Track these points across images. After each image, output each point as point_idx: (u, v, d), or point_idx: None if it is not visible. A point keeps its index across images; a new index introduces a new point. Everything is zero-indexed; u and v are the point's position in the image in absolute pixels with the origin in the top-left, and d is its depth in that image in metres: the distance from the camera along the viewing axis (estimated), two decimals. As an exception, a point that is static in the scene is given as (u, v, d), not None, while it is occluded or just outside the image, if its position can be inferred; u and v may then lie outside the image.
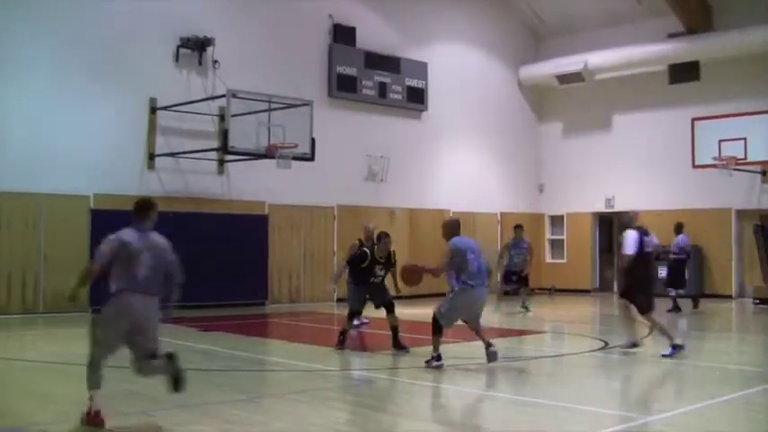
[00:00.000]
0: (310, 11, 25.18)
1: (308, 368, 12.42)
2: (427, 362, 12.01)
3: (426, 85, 27.73)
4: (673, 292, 21.39)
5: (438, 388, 10.73)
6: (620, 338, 14.39)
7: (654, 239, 13.95)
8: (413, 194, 27.00)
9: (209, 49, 22.69)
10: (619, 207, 29.41)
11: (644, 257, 13.51)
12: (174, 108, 21.70)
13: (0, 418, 8.78)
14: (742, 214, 26.70)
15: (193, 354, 13.90)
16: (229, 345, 15.15)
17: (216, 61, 22.84)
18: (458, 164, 28.74)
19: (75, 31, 20.69)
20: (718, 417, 9.09)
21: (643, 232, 13.59)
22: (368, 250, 14.31)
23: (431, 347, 11.91)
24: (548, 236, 31.29)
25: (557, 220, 31.14)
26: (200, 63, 22.73)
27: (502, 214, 29.50)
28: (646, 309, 13.54)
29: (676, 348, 13.13)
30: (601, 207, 29.69)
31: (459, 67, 28.99)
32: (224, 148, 20.01)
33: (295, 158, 20.15)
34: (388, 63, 26.76)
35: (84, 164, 20.53)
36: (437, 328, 12.09)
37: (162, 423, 8.30)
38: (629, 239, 13.41)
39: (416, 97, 27.51)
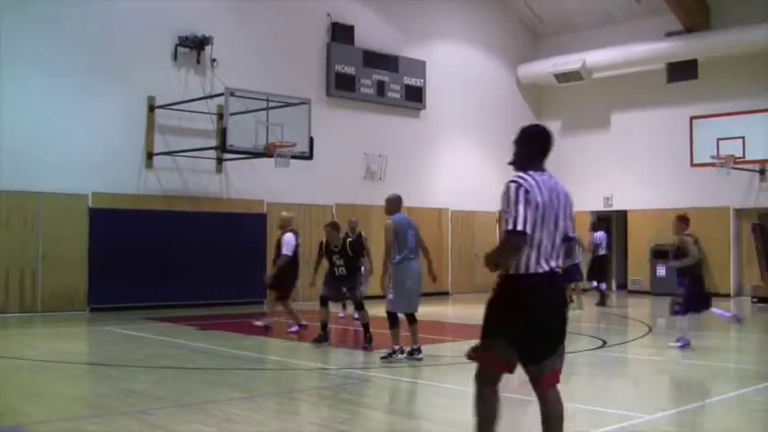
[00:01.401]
0: (308, 9, 25.18)
1: (306, 367, 12.43)
2: (384, 357, 12.44)
3: (425, 83, 27.74)
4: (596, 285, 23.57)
5: (439, 387, 10.74)
6: (617, 337, 14.41)
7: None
8: (411, 193, 26.98)
9: (208, 48, 22.70)
10: (617, 206, 29.48)
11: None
12: (172, 107, 21.71)
13: (0, 418, 8.80)
14: (740, 213, 26.74)
15: (192, 352, 13.92)
16: (228, 343, 15.16)
17: (214, 60, 22.85)
18: (456, 162, 28.76)
19: (73, 29, 20.68)
20: (720, 415, 9.10)
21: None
22: (323, 240, 14.95)
23: (433, 346, 11.93)
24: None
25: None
26: (198, 62, 22.73)
27: (500, 212, 29.49)
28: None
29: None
30: (599, 206, 29.70)
31: (457, 65, 29.01)
32: (222, 147, 20.01)
33: (293, 157, 20.15)
34: (386, 62, 26.77)
35: (82, 162, 20.53)
36: (392, 320, 12.51)
37: (160, 421, 8.30)
38: None
39: (415, 96, 27.52)
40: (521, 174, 5.82)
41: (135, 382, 10.67)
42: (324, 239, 15.00)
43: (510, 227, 5.60)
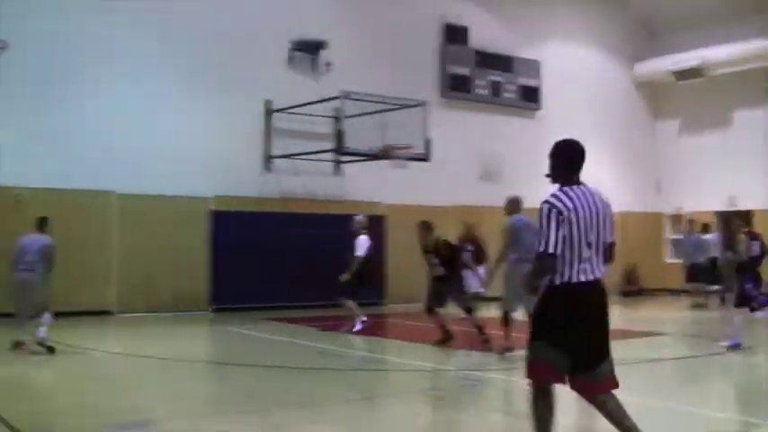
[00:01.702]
0: (422, 11, 25.23)
1: (423, 368, 12.48)
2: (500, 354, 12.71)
3: (540, 83, 27.53)
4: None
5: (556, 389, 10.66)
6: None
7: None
8: (528, 194, 26.66)
9: (323, 52, 22.95)
10: (742, 205, 28.70)
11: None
12: (289, 110, 22.03)
13: (128, 414, 9.06)
14: None
15: (312, 353, 14.10)
16: (346, 344, 15.32)
17: (329, 63, 23.09)
18: (573, 163, 28.41)
19: (192, 36, 21.17)
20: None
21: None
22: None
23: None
24: (666, 235, 30.69)
25: (676, 220, 30.49)
26: (313, 66, 23.01)
27: (620, 214, 29.06)
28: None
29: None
30: (722, 205, 28.97)
31: (572, 64, 28.67)
32: (339, 150, 20.21)
33: (410, 159, 20.22)
34: (500, 62, 26.62)
35: (204, 166, 21.00)
36: (505, 318, 12.89)
37: (280, 421, 8.46)
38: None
39: (530, 96, 27.32)
40: (556, 193, 6.10)
41: (257, 382, 10.88)
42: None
43: (542, 249, 5.90)
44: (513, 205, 13.35)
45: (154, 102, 20.58)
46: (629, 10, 30.43)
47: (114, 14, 20.25)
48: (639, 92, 30.84)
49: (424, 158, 20.60)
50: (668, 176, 30.60)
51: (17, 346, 13.42)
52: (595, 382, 6.04)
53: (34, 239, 13.81)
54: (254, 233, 21.28)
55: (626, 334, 16.30)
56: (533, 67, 27.33)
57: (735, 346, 13.69)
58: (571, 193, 6.06)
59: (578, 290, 5.94)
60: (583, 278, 5.94)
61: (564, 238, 5.90)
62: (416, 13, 25.09)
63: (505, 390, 10.87)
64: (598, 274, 6.02)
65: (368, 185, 23.33)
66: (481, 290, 17.51)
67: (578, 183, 6.21)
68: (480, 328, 14.02)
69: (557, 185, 6.23)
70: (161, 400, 9.75)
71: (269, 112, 22.21)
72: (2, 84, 12.67)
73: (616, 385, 6.09)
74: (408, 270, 24.12)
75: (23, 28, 18.28)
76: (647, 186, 30.48)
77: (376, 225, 22.83)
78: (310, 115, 22.24)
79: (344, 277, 16.46)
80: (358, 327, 16.51)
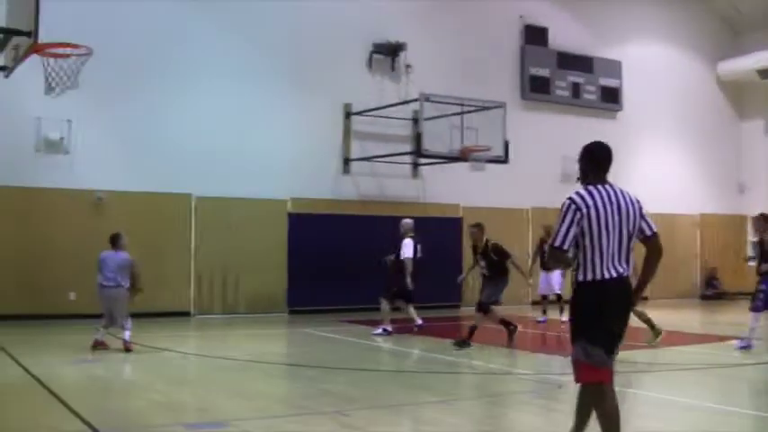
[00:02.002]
0: (501, 12, 25.07)
1: (501, 371, 12.34)
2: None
3: (620, 84, 27.16)
4: None
5: (634, 393, 10.43)
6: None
7: None
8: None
9: (402, 54, 22.94)
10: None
11: None
12: (368, 113, 22.03)
13: (204, 413, 9.10)
14: None
15: (388, 355, 14.05)
16: (423, 346, 15.23)
17: (408, 66, 23.06)
18: (654, 164, 27.97)
19: (272, 39, 21.32)
20: None
21: None
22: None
23: (628, 352, 11.63)
24: (750, 238, 30.01)
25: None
26: (392, 68, 23.00)
27: (701, 215, 28.54)
28: None
29: None
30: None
31: (653, 64, 28.21)
32: (418, 152, 20.15)
33: (489, 161, 20.09)
34: (580, 63, 26.35)
35: (281, 168, 21.11)
36: None
37: (355, 422, 8.40)
38: None
39: (611, 97, 26.99)
40: (579, 190, 6.36)
41: (332, 383, 10.85)
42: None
43: (554, 243, 6.22)
44: None
45: (233, 104, 20.75)
46: (711, 7, 29.83)
47: (196, 18, 20.51)
48: (723, 91, 30.23)
49: (502, 160, 20.43)
50: (753, 178, 29.92)
51: (97, 345, 13.68)
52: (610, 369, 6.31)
53: (111, 256, 13.99)
54: (331, 235, 21.29)
55: (705, 338, 16.02)
56: (614, 67, 26.99)
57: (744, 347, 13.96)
58: (594, 191, 6.29)
59: (603, 287, 6.16)
60: (606, 275, 6.15)
61: (577, 234, 6.17)
62: (495, 15, 24.94)
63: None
64: (621, 270, 6.20)
65: (445, 188, 23.25)
66: (557, 291, 18.64)
67: (605, 182, 6.42)
68: (473, 329, 14.54)
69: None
70: (236, 401, 9.76)
71: (348, 114, 22.23)
72: (84, 87, 12.78)
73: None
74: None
75: (107, 31, 18.55)
76: (729, 188, 29.85)
77: (453, 227, 22.76)
78: (389, 118, 22.20)
79: (409, 282, 16.49)
80: (379, 331, 16.52)
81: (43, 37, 9.69)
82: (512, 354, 14.04)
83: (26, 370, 11.59)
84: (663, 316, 21.67)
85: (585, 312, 6.25)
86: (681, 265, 25.99)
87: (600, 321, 6.15)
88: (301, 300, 21.03)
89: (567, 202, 6.26)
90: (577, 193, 6.30)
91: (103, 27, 18.65)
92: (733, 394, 10.89)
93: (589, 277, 6.18)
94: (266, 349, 15.00)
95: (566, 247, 6.17)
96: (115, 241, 14.13)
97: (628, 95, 27.30)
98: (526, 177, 24.22)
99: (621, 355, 12.39)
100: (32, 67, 11.50)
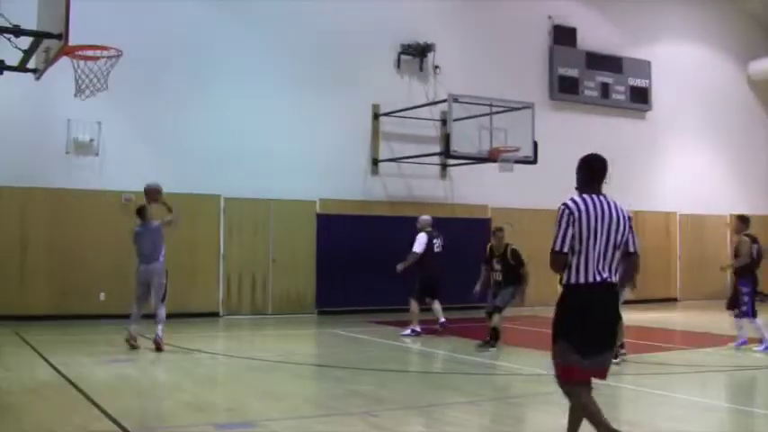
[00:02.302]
0: (529, 13, 24.99)
1: (529, 372, 12.30)
2: None
3: (650, 84, 27.01)
4: None
5: (663, 396, 10.37)
6: None
7: None
8: (639, 196, 26.32)
9: (430, 55, 22.93)
10: None
11: None
12: (396, 114, 22.04)
13: (233, 414, 9.14)
14: None
15: (416, 356, 14.05)
16: (451, 347, 15.21)
17: (437, 67, 23.04)
18: (684, 164, 27.80)
19: (300, 40, 21.35)
20: None
21: None
22: (491, 244, 15.17)
23: (661, 355, 11.59)
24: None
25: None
26: (421, 69, 22.99)
27: (731, 216, 28.33)
28: None
29: None
30: None
31: (683, 64, 28.02)
32: (446, 153, 20.12)
33: (517, 162, 20.03)
34: (609, 63, 26.23)
35: (310, 169, 21.15)
36: None
37: (384, 423, 8.40)
38: None
39: (640, 97, 26.84)
40: (573, 197, 6.65)
41: (360, 384, 10.85)
42: (491, 243, 15.17)
43: (552, 247, 6.56)
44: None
45: (261, 106, 20.79)
46: (742, 6, 29.59)
47: (225, 19, 20.60)
48: (754, 91, 29.97)
49: (531, 161, 20.37)
50: (785, 178, 29.68)
51: (130, 342, 13.97)
52: (594, 369, 6.52)
53: (142, 230, 14.59)
54: (360, 236, 21.30)
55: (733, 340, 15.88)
56: (643, 67, 26.84)
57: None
58: (587, 198, 6.59)
59: (588, 290, 6.44)
60: (591, 279, 6.43)
61: (573, 236, 6.48)
62: (524, 15, 24.87)
63: (612, 396, 10.59)
64: (605, 276, 6.46)
65: (474, 188, 23.21)
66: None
67: (598, 193, 6.69)
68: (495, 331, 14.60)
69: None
70: (265, 401, 9.79)
71: (376, 115, 22.24)
72: (113, 89, 12.86)
73: (604, 377, 6.60)
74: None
75: (137, 33, 18.65)
76: (760, 188, 29.61)
77: (481, 228, 22.70)
78: (417, 118, 22.20)
79: (399, 267, 16.93)
80: (408, 332, 16.63)
81: (73, 39, 9.74)
82: (536, 355, 13.97)
83: (56, 370, 11.68)
84: (692, 317, 21.58)
85: (568, 314, 6.54)
86: (711, 265, 25.75)
87: (581, 324, 6.43)
88: (330, 300, 21.06)
89: (562, 207, 6.59)
90: (571, 199, 6.61)
91: (133, 29, 18.75)
92: (758, 395, 10.81)
93: (573, 280, 6.48)
94: (295, 350, 15.03)
95: (565, 249, 6.49)
96: (143, 213, 14.52)
97: (657, 95, 27.14)
98: (555, 178, 24.00)
99: (652, 357, 12.35)
100: (63, 69, 11.57)
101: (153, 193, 14.62)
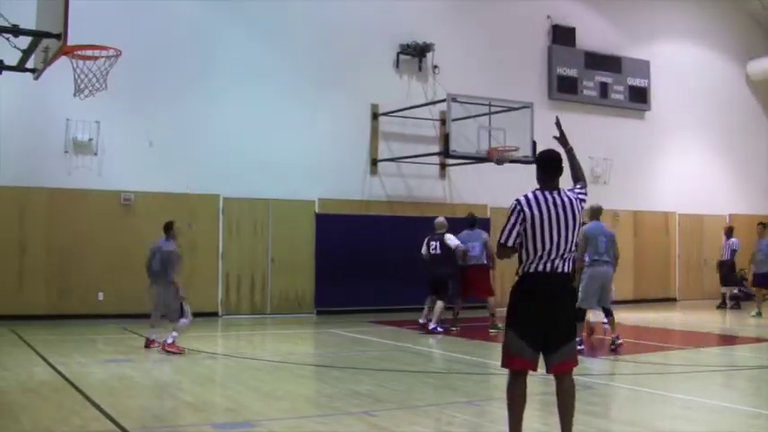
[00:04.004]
0: (528, 13, 24.99)
1: (530, 373, 12.27)
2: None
3: (649, 84, 27.02)
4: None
5: (664, 395, 10.36)
6: None
7: None
8: (637, 196, 26.36)
9: (429, 55, 22.93)
10: None
11: None
12: (395, 114, 22.03)
13: (232, 413, 9.13)
14: None
15: (414, 355, 14.04)
16: (450, 347, 15.21)
17: (436, 66, 23.04)
18: (683, 164, 27.80)
19: (299, 40, 21.36)
20: None
21: None
22: None
23: (660, 354, 11.58)
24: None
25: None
26: (420, 69, 22.99)
27: (731, 216, 28.33)
28: None
29: None
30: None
31: (682, 64, 28.03)
32: (445, 153, 20.12)
33: (516, 161, 20.03)
34: (608, 63, 26.24)
35: (309, 169, 21.15)
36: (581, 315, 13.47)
37: (383, 423, 8.39)
38: None
39: (639, 97, 26.85)
40: (526, 193, 6.96)
41: (359, 384, 10.84)
42: None
43: (498, 239, 6.97)
44: (595, 213, 14.20)
45: (260, 105, 20.80)
46: (741, 6, 29.59)
47: (224, 19, 20.60)
48: (753, 91, 29.99)
49: (530, 161, 20.35)
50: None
51: (150, 345, 13.98)
52: (550, 364, 6.93)
53: (156, 248, 14.09)
54: (359, 236, 21.31)
55: (738, 340, 15.91)
56: (642, 66, 26.86)
57: None
58: (539, 195, 6.89)
59: (533, 280, 6.77)
60: (540, 269, 6.73)
61: (520, 232, 6.82)
62: (523, 15, 24.87)
63: (612, 396, 10.60)
64: (555, 266, 6.74)
65: (473, 188, 23.23)
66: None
67: (554, 188, 6.97)
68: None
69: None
70: (265, 401, 9.79)
71: (375, 115, 22.23)
72: (112, 89, 12.84)
73: (571, 366, 7.01)
74: (513, 274, 23.89)
75: (136, 33, 18.66)
76: (759, 188, 29.62)
77: (481, 228, 22.66)
78: (416, 118, 22.20)
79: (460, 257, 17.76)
80: (434, 326, 17.20)
81: (72, 39, 9.73)
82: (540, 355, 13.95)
83: (55, 369, 11.68)
84: (691, 317, 21.57)
85: (515, 302, 6.85)
86: (709, 265, 25.82)
87: (525, 312, 6.75)
88: (329, 300, 21.07)
89: (514, 203, 6.91)
90: (524, 196, 6.93)
91: (132, 29, 18.78)
92: (758, 395, 10.81)
93: (521, 271, 6.85)
94: (294, 350, 15.02)
95: (510, 243, 6.86)
96: (168, 229, 14.10)
97: (656, 95, 27.15)
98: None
99: (651, 356, 12.34)
100: (62, 69, 11.57)
101: None
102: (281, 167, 20.80)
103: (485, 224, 22.85)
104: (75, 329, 16.98)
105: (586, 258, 13.72)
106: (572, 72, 25.55)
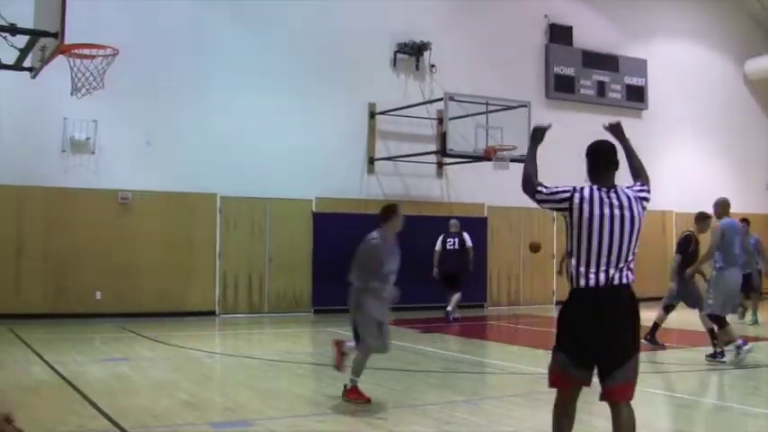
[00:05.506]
0: (525, 11, 24.98)
1: (527, 371, 12.30)
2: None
3: (646, 82, 27.02)
4: None
5: (663, 396, 10.37)
6: None
7: None
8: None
9: (426, 54, 22.90)
10: None
11: None
12: (392, 112, 22.03)
13: (230, 412, 9.13)
14: None
15: (413, 355, 14.02)
16: (448, 346, 15.21)
17: (433, 65, 23.02)
18: (680, 163, 27.79)
19: (296, 39, 21.33)
20: None
21: None
22: (693, 233, 14.60)
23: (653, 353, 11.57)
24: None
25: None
26: (417, 67, 22.98)
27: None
28: None
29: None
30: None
31: (680, 63, 28.02)
32: (443, 151, 20.12)
33: (514, 160, 20.03)
34: (606, 61, 26.24)
35: (306, 168, 21.13)
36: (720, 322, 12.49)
37: (381, 422, 8.40)
38: None
39: (636, 96, 26.85)
40: (582, 185, 6.12)
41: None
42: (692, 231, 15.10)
43: (541, 189, 6.40)
44: (725, 208, 13.07)
45: (258, 104, 20.76)
46: (739, 5, 29.60)
47: (221, 18, 20.58)
48: (751, 90, 29.99)
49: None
50: (782, 177, 29.71)
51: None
52: (606, 389, 5.86)
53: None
54: (357, 235, 21.14)
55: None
56: (639, 65, 26.87)
57: None
58: (595, 191, 6.03)
59: (584, 295, 5.71)
60: (592, 282, 5.67)
61: (557, 200, 6.16)
62: (520, 14, 24.87)
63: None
64: (610, 278, 5.71)
65: (470, 187, 23.22)
66: None
67: (609, 185, 6.11)
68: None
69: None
70: (262, 400, 9.79)
71: (372, 114, 22.22)
72: (110, 88, 12.82)
73: (624, 397, 5.97)
74: (510, 272, 24.01)
75: (133, 32, 18.64)
76: (757, 187, 29.64)
77: (479, 227, 22.72)
78: (413, 117, 22.19)
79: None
80: (457, 315, 19.30)
81: (69, 38, 9.73)
82: (535, 354, 13.97)
83: (52, 368, 11.67)
84: (690, 316, 21.53)
85: (561, 317, 5.92)
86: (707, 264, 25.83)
87: (570, 327, 5.81)
88: (326, 299, 21.01)
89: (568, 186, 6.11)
90: (579, 186, 6.16)
91: (129, 28, 18.77)
92: (758, 395, 10.81)
93: (574, 284, 5.77)
94: (292, 349, 15.01)
95: (542, 188, 6.42)
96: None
97: (653, 94, 27.15)
98: (551, 176, 23.93)
99: (650, 356, 12.34)
100: (59, 68, 11.57)
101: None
102: (278, 166, 20.78)
103: (482, 223, 22.94)
104: (73, 328, 16.96)
105: (717, 260, 12.57)
106: (569, 71, 25.54)
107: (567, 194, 6.05)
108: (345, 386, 9.47)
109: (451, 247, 19.46)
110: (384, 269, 9.83)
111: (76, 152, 19.02)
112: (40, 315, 18.01)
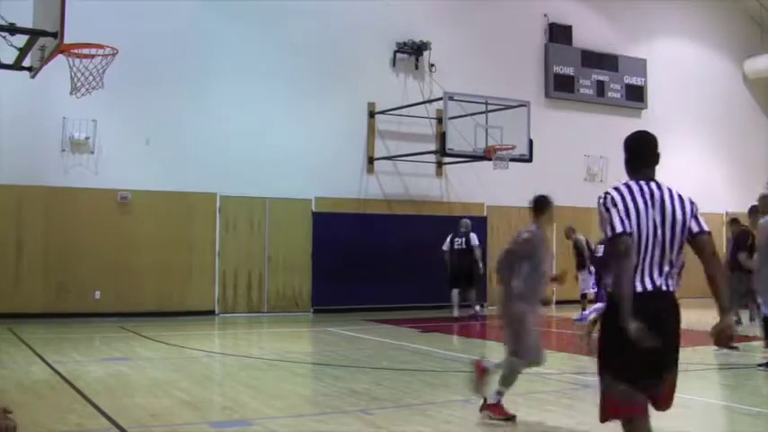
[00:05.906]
0: (525, 11, 25.00)
1: (527, 371, 12.28)
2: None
3: (645, 82, 27.03)
4: None
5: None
6: None
7: None
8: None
9: (426, 53, 22.91)
10: None
11: None
12: (392, 112, 22.03)
13: (229, 412, 9.13)
14: None
15: (412, 354, 14.03)
16: (448, 346, 15.21)
17: (432, 65, 23.03)
18: (679, 162, 27.72)
19: (296, 39, 21.34)
20: None
21: None
22: (749, 228, 14.46)
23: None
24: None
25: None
26: (416, 67, 22.99)
27: (728, 214, 28.33)
28: None
29: None
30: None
31: (679, 62, 28.05)
32: (442, 151, 20.13)
33: (513, 160, 20.05)
34: (605, 61, 26.27)
35: (306, 168, 21.14)
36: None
37: (380, 421, 8.40)
38: None
39: (636, 95, 26.87)
40: (616, 185, 5.44)
41: (356, 382, 10.84)
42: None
43: (610, 233, 5.11)
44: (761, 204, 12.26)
45: (257, 104, 20.79)
46: (738, 5, 29.60)
47: (221, 18, 20.60)
48: (750, 89, 30.01)
49: (526, 159, 20.38)
50: (781, 176, 29.68)
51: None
52: (651, 397, 5.37)
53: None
54: (356, 234, 21.30)
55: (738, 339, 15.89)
56: (639, 65, 26.89)
57: None
58: (633, 186, 5.38)
59: (636, 302, 4.98)
60: (639, 288, 5.06)
61: (624, 219, 5.13)
62: (519, 13, 24.88)
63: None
64: (656, 284, 5.17)
65: (470, 187, 23.22)
66: (591, 290, 18.80)
67: (649, 179, 5.47)
68: None
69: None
70: (262, 399, 9.78)
71: (372, 114, 22.23)
72: (109, 88, 12.83)
73: (665, 405, 5.52)
74: (511, 272, 23.87)
75: (133, 32, 18.63)
76: (757, 186, 29.58)
77: (478, 226, 22.68)
78: (413, 117, 22.20)
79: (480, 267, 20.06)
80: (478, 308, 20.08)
81: (69, 38, 9.73)
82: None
83: (52, 368, 11.68)
84: (689, 316, 21.52)
85: (603, 336, 5.26)
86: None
87: (616, 346, 5.08)
88: (326, 299, 21.06)
89: (602, 196, 5.34)
90: (614, 188, 5.41)
91: (129, 27, 18.75)
92: (758, 395, 10.82)
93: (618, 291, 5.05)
94: (291, 348, 15.01)
95: (628, 229, 5.09)
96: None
97: (653, 93, 27.17)
98: (550, 176, 24.08)
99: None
100: (58, 67, 11.56)
101: None
102: (277, 166, 20.80)
103: (481, 222, 22.91)
104: (73, 328, 16.98)
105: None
106: (569, 70, 25.56)
107: (614, 203, 5.29)
108: (485, 399, 8.60)
109: (459, 246, 19.71)
110: (542, 268, 8.81)
111: (76, 152, 19.03)
112: (40, 314, 18.02)
